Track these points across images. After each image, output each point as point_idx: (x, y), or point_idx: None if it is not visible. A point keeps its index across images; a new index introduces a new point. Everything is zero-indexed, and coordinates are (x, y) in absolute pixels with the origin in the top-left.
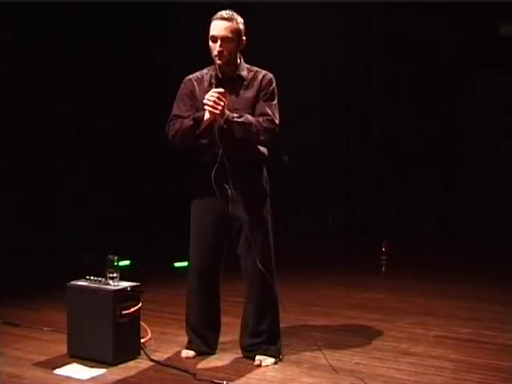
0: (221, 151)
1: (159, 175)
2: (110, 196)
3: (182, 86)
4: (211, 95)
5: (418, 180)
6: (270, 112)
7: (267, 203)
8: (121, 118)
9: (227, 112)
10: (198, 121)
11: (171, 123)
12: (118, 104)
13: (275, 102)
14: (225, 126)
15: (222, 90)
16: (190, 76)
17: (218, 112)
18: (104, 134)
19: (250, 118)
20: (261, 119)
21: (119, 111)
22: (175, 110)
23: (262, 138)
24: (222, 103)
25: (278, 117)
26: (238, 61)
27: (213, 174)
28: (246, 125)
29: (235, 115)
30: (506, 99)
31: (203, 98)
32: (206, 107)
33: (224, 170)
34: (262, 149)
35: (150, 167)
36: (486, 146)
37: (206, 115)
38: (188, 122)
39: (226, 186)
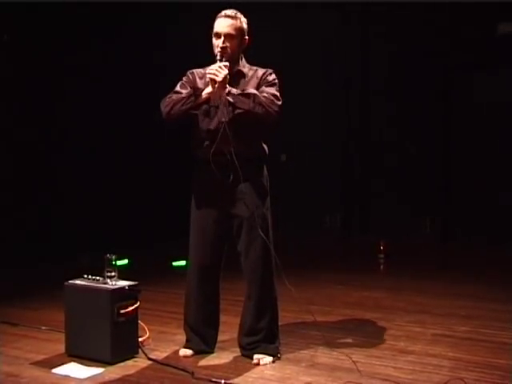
0: (224, 123)
1: (158, 174)
2: (109, 195)
3: (185, 76)
4: (214, 65)
5: (417, 179)
6: (271, 91)
7: (267, 201)
8: (120, 118)
9: (229, 87)
10: (198, 91)
11: (167, 96)
12: (117, 103)
13: (277, 88)
14: (230, 100)
15: (226, 63)
16: (194, 70)
17: (220, 79)
18: (104, 133)
19: (254, 90)
20: (265, 94)
21: (119, 110)
22: (175, 89)
23: (270, 110)
24: (225, 72)
25: (280, 98)
26: (240, 60)
27: (212, 150)
28: (251, 96)
29: (239, 90)
30: (504, 99)
31: (203, 90)
32: (208, 76)
33: (226, 143)
34: (263, 146)
35: (149, 166)
36: (485, 145)
37: (208, 89)
38: (186, 94)
39: (229, 156)
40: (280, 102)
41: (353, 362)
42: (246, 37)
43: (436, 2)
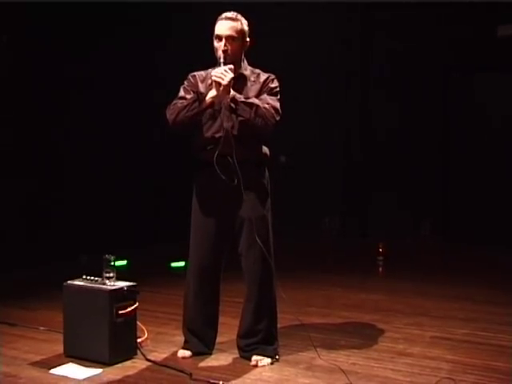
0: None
1: (157, 175)
2: (107, 196)
3: (187, 79)
4: (219, 68)
5: (417, 180)
6: (273, 103)
7: (268, 203)
8: (119, 118)
9: (233, 92)
10: (202, 96)
11: (173, 102)
12: (116, 103)
13: (278, 97)
14: (232, 105)
15: (231, 66)
16: (195, 73)
17: (225, 82)
18: (102, 134)
19: (257, 100)
20: (266, 105)
21: (117, 111)
22: (180, 94)
23: (268, 123)
24: (230, 75)
25: (280, 111)
26: (242, 62)
27: (216, 153)
28: (253, 105)
29: (242, 96)
30: (504, 99)
31: (206, 95)
32: (213, 78)
33: (228, 146)
34: (265, 148)
35: (149, 167)
36: (484, 146)
37: (211, 93)
38: (190, 99)
39: (230, 160)
40: (279, 117)
41: (351, 364)
42: (248, 39)
43: (437, 1)
